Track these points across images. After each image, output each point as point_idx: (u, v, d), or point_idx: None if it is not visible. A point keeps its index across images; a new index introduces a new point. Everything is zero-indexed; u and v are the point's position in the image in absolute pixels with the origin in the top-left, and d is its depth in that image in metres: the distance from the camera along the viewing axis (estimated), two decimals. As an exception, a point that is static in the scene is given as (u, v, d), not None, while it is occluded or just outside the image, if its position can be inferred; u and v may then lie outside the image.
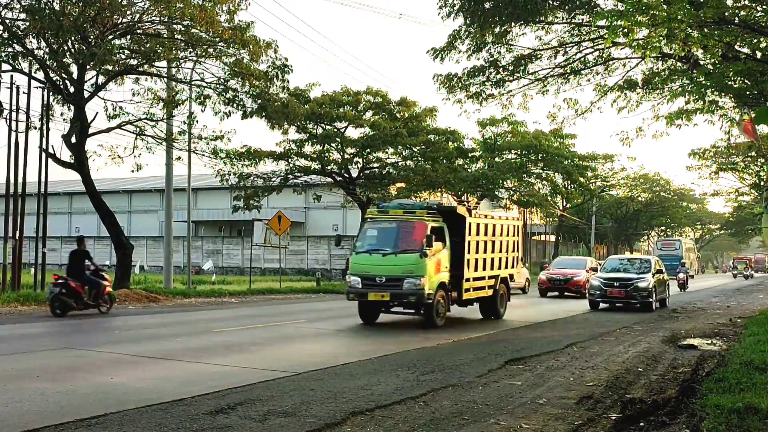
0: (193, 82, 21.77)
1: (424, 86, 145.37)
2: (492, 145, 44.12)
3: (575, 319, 17.10)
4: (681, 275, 33.96)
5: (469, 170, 41.44)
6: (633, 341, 12.41)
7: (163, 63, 21.27)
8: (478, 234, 15.61)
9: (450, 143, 37.10)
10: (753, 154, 31.34)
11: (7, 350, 9.99)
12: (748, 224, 60.65)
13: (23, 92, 20.29)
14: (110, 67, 20.03)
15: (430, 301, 13.73)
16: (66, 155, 21.02)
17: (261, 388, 7.46)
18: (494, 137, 44.67)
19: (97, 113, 21.79)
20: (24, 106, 20.50)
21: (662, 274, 21.91)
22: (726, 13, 11.11)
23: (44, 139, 20.85)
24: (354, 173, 35.70)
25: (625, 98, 17.13)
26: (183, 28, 19.97)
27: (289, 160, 34.65)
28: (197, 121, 22.78)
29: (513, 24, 14.98)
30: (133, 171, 22.57)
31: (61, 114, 21.37)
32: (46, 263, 21.96)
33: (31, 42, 19.37)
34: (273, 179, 35.22)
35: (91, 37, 19.24)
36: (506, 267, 17.30)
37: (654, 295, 20.29)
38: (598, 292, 20.48)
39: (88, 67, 19.85)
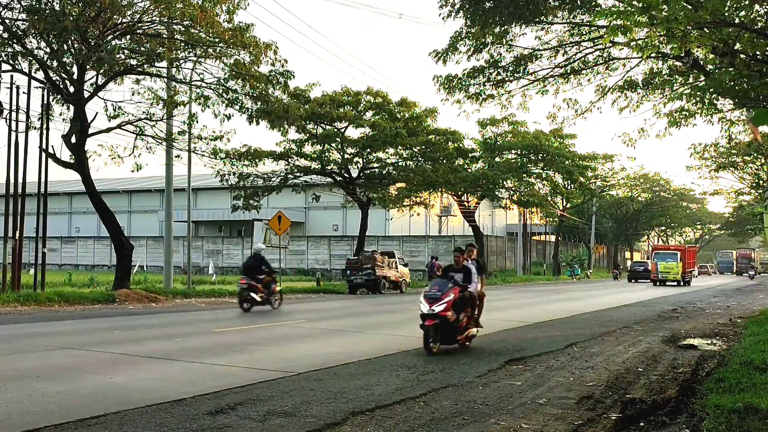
0: (193, 83, 21.77)
1: (424, 86, 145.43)
2: (492, 145, 44.15)
3: (575, 319, 17.09)
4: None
5: (469, 170, 41.46)
6: (633, 341, 12.40)
7: (163, 63, 21.29)
8: None
9: (450, 143, 37.12)
10: (752, 153, 31.36)
11: (7, 350, 9.98)
12: (748, 224, 60.60)
13: (23, 92, 20.30)
14: (110, 67, 20.04)
15: None
16: (66, 155, 21.05)
17: (261, 388, 7.45)
18: (494, 137, 44.72)
19: (97, 113, 21.79)
20: (24, 106, 20.52)
21: None
22: (725, 14, 11.09)
23: (44, 139, 20.85)
24: (354, 173, 35.70)
25: (626, 98, 17.12)
26: (183, 29, 19.98)
27: (289, 160, 34.66)
28: (197, 121, 22.83)
29: (513, 24, 14.96)
30: (133, 171, 22.61)
31: (61, 114, 21.41)
32: (45, 263, 21.95)
33: (31, 42, 19.37)
34: (273, 179, 35.23)
35: (92, 37, 19.24)
36: None
37: None
38: None
39: (88, 67, 19.85)
